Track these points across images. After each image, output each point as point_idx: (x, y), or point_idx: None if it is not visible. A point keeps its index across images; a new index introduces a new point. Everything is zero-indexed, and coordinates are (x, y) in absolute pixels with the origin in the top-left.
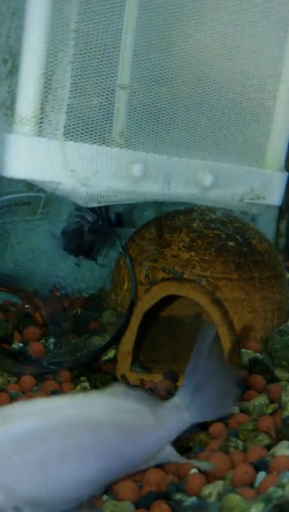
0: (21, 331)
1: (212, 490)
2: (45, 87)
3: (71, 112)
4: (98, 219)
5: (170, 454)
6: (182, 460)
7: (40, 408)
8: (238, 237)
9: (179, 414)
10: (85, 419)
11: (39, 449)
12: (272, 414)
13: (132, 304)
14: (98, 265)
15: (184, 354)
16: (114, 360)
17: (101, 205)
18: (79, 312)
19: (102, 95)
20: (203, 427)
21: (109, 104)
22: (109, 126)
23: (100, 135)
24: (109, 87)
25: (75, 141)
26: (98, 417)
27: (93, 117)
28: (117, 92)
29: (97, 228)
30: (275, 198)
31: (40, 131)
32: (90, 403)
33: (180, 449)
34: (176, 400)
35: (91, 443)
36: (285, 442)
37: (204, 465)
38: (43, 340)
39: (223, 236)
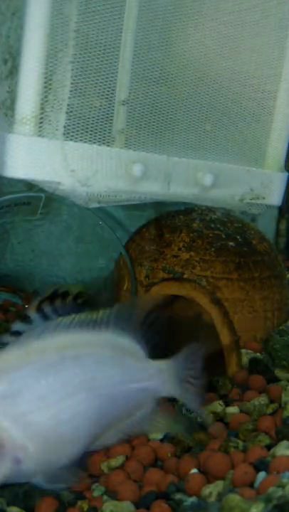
0: None
1: (212, 490)
2: (46, 87)
3: (71, 111)
4: None
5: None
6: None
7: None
8: (238, 237)
9: (162, 376)
10: (90, 362)
11: (51, 380)
12: (272, 414)
13: None
14: None
15: None
16: None
17: (101, 205)
18: None
19: (102, 95)
20: (203, 427)
21: (110, 104)
22: (109, 126)
23: (100, 135)
24: (109, 87)
25: (75, 141)
26: (102, 363)
27: (93, 117)
28: (117, 92)
29: None
30: (275, 198)
31: (40, 131)
32: (97, 342)
33: (181, 449)
34: (162, 363)
35: (91, 386)
36: (285, 442)
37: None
38: None
39: (223, 236)
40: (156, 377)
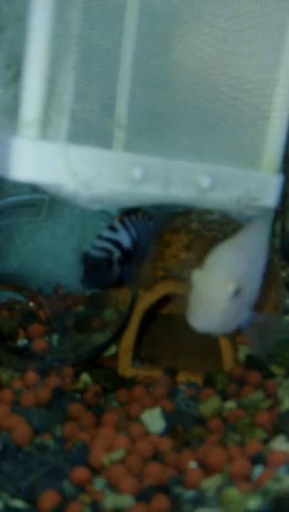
0: (26, 329)
1: (211, 483)
2: (49, 92)
3: (74, 116)
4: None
5: None
6: None
7: None
8: None
9: None
10: None
11: None
12: (268, 409)
13: (133, 302)
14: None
15: (182, 350)
16: (115, 356)
17: (102, 206)
18: (81, 310)
19: (104, 100)
20: (200, 421)
21: (111, 108)
22: (111, 130)
23: (101, 139)
24: (110, 92)
25: (78, 145)
26: None
27: (95, 121)
28: (118, 97)
29: (129, 257)
30: (271, 200)
31: (44, 134)
32: None
33: (180, 443)
34: None
35: None
36: (281, 437)
37: None
38: (46, 337)
39: (221, 237)
40: None
